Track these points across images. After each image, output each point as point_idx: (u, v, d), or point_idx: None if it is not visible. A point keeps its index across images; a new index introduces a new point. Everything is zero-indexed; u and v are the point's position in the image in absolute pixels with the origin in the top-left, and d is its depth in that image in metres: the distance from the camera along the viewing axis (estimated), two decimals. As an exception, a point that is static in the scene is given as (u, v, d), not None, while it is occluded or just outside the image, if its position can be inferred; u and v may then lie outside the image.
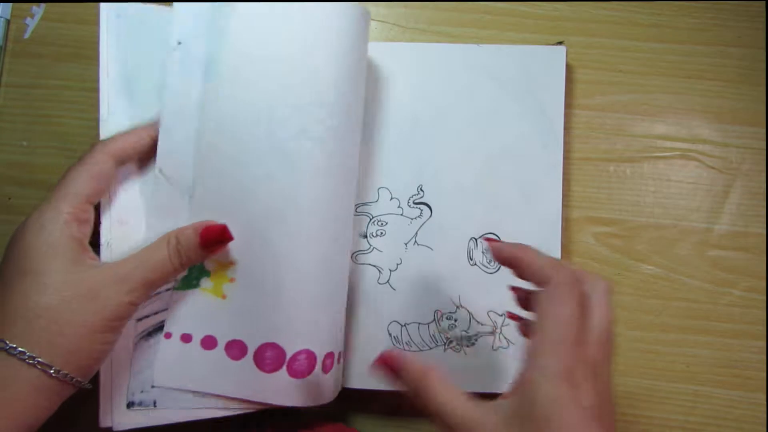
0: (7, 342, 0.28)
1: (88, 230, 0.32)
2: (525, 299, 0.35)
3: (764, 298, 0.44)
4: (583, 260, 0.45)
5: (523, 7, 0.47)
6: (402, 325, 0.42)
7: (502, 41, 0.46)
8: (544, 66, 0.44)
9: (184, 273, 0.35)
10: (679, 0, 0.47)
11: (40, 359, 0.28)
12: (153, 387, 0.36)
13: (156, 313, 0.36)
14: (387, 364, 0.30)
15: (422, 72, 0.44)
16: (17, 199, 0.46)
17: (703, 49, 0.46)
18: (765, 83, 0.46)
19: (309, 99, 0.35)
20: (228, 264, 0.35)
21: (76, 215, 0.31)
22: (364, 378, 0.41)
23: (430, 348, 0.42)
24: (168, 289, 0.36)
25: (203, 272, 0.36)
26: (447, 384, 0.29)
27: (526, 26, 0.47)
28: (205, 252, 0.33)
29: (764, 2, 0.47)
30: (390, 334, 0.42)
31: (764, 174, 0.45)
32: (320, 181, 0.35)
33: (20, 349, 0.28)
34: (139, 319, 0.36)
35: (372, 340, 0.42)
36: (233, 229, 0.34)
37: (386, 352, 0.30)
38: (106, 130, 0.36)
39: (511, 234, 0.43)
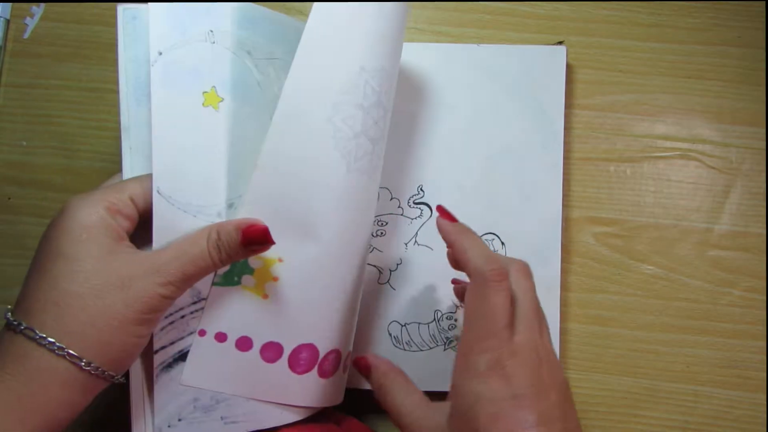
0: (37, 331, 0.27)
1: (129, 225, 0.30)
2: (462, 292, 0.37)
3: (764, 298, 0.44)
4: (583, 260, 0.45)
5: (523, 7, 0.47)
6: (402, 325, 0.42)
7: (502, 41, 0.46)
8: (544, 66, 0.44)
9: (226, 268, 0.33)
10: (679, 0, 0.47)
11: (70, 350, 0.27)
12: (180, 420, 0.33)
13: (173, 342, 0.33)
14: (359, 363, 0.35)
15: (422, 72, 0.44)
16: (17, 199, 0.46)
17: (703, 49, 0.46)
18: (765, 83, 0.46)
19: (373, 100, 0.34)
20: (273, 261, 0.33)
21: (116, 206, 0.29)
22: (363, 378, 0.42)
23: (430, 348, 0.42)
24: (183, 316, 0.33)
25: (246, 269, 0.33)
26: (406, 385, 0.32)
27: (526, 26, 0.47)
28: (245, 251, 0.31)
29: (764, 2, 0.47)
30: (390, 334, 0.42)
31: (764, 174, 0.45)
32: (366, 181, 0.35)
33: (50, 339, 0.27)
34: (156, 351, 0.32)
35: (372, 340, 0.42)
36: (282, 227, 0.32)
37: (363, 354, 0.35)
38: (127, 139, 0.32)
39: (511, 234, 0.43)
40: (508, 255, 0.43)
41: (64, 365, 0.27)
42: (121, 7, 0.32)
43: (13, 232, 0.46)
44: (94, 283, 0.27)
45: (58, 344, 0.27)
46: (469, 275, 0.31)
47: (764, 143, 0.45)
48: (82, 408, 0.28)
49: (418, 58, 0.44)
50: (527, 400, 0.26)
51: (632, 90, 0.46)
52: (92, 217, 0.28)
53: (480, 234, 0.43)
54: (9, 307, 0.28)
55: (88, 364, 0.27)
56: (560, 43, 0.45)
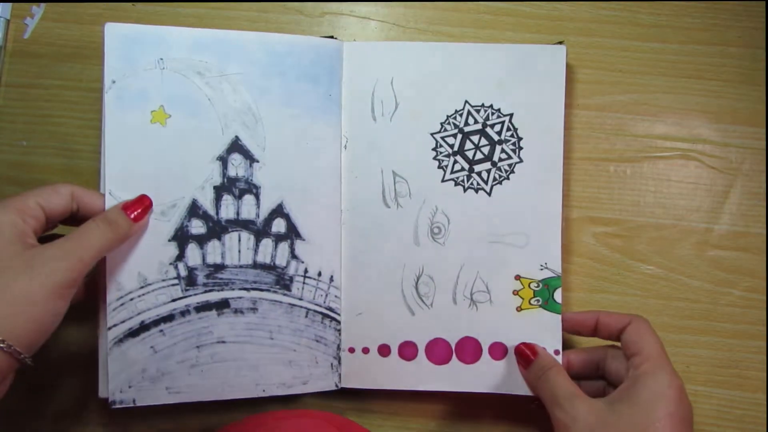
0: None
1: (36, 224, 0.34)
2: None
3: (764, 298, 0.44)
4: (583, 260, 0.45)
5: (523, 7, 0.47)
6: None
7: (502, 41, 0.46)
8: (544, 66, 0.44)
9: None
10: (679, 0, 0.47)
11: None
12: (130, 387, 0.39)
13: (123, 321, 0.39)
14: (525, 350, 0.41)
15: (422, 71, 0.44)
16: (17, 199, 0.46)
17: (703, 49, 0.46)
18: (765, 83, 0.46)
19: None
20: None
21: (22, 209, 0.33)
22: (364, 378, 0.42)
23: None
24: (131, 299, 0.39)
25: None
26: (567, 379, 0.37)
27: (526, 26, 0.47)
28: (129, 222, 0.37)
29: (764, 2, 0.47)
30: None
31: (764, 174, 0.45)
32: None
33: None
34: (109, 328, 0.38)
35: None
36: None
37: (525, 343, 0.41)
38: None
39: (511, 234, 0.43)
40: (506, 255, 0.43)
41: None
42: (109, 25, 0.39)
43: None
44: (4, 264, 0.31)
45: None
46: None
47: (764, 143, 0.45)
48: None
49: (417, 58, 0.44)
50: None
51: (632, 90, 0.46)
52: (2, 218, 0.32)
53: (480, 234, 0.43)
54: None
55: (8, 345, 0.30)
56: (560, 43, 0.45)
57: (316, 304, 0.41)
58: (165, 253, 0.39)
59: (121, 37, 0.39)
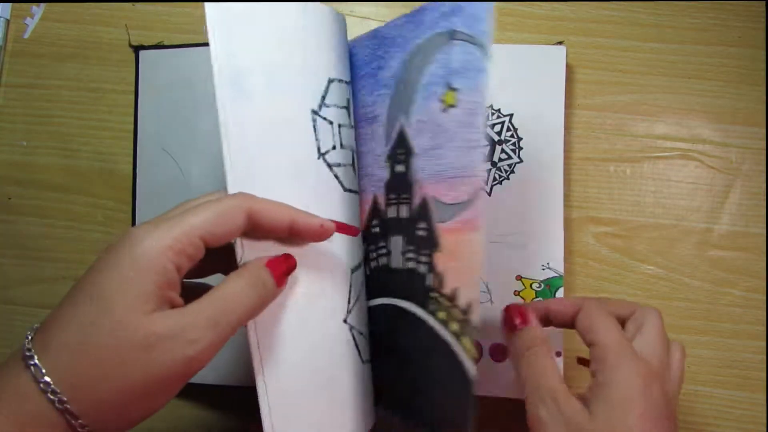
0: (45, 376, 0.24)
1: (189, 265, 0.26)
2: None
3: (764, 298, 0.44)
4: (583, 260, 0.45)
5: (523, 7, 0.47)
6: None
7: (503, 41, 0.46)
8: (544, 66, 0.44)
9: None
10: (680, 0, 0.47)
11: (69, 406, 0.24)
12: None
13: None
14: (515, 314, 0.34)
15: None
16: (17, 199, 0.46)
17: (703, 49, 0.46)
18: (765, 83, 0.46)
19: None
20: None
21: (181, 247, 0.26)
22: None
23: None
24: None
25: None
26: (554, 368, 0.32)
27: (526, 26, 0.47)
28: (274, 286, 0.29)
29: (764, 2, 0.47)
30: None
31: (764, 174, 0.45)
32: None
33: (54, 388, 0.24)
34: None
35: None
36: None
37: (517, 306, 0.35)
38: (227, 136, 0.30)
39: (512, 234, 0.43)
40: (507, 255, 0.43)
41: (59, 420, 0.24)
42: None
43: (13, 232, 0.46)
44: (119, 338, 0.24)
45: (60, 396, 0.24)
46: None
47: (764, 143, 0.45)
48: None
49: None
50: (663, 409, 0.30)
51: (632, 90, 0.46)
52: (144, 258, 0.25)
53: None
54: (36, 326, 0.26)
55: (83, 426, 0.24)
56: (560, 43, 0.45)
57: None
58: None
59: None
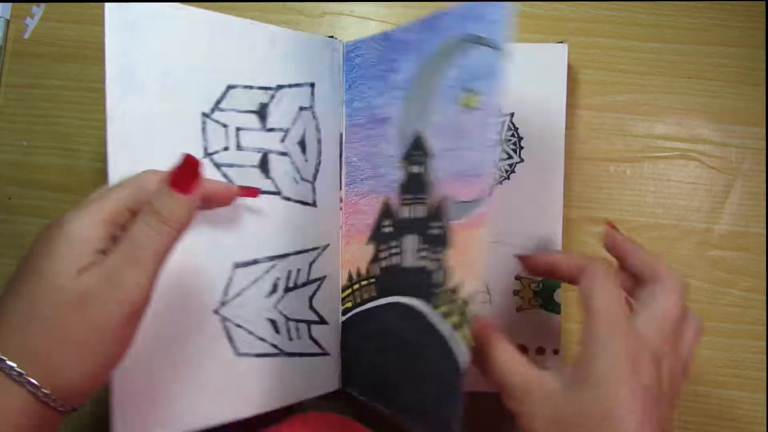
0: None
1: (120, 234, 0.28)
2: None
3: (764, 298, 0.44)
4: (583, 260, 0.45)
5: (523, 7, 0.47)
6: None
7: (502, 41, 0.46)
8: (545, 64, 0.43)
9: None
10: (680, 0, 0.47)
11: (29, 377, 0.25)
12: None
13: None
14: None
15: None
16: (17, 199, 0.46)
17: (703, 49, 0.46)
18: (765, 83, 0.46)
19: None
20: None
21: (110, 217, 0.27)
22: None
23: None
24: None
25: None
26: (509, 346, 0.31)
27: (526, 26, 0.47)
28: (187, 203, 0.28)
29: (764, 2, 0.47)
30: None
31: (764, 174, 0.45)
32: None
33: (9, 363, 0.25)
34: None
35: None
36: None
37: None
38: (113, 129, 0.33)
39: (511, 234, 0.43)
40: (506, 255, 0.42)
41: (22, 394, 0.25)
42: (109, 6, 0.33)
43: (13, 232, 0.46)
44: (56, 302, 0.25)
45: (17, 369, 0.25)
46: (646, 278, 0.32)
47: (764, 143, 0.45)
48: None
49: None
50: (654, 393, 0.27)
51: (632, 90, 0.46)
52: (81, 228, 0.27)
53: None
54: None
55: (46, 395, 0.25)
56: (562, 41, 0.45)
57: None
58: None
59: None
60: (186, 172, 0.29)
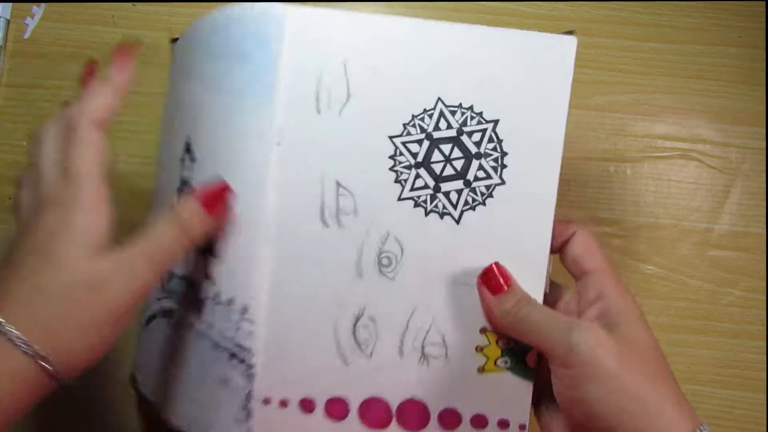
0: (3, 322, 0.26)
1: (112, 216, 0.29)
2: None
3: (764, 298, 0.44)
4: (583, 260, 0.45)
5: (523, 7, 0.47)
6: None
7: (502, 41, 0.46)
8: (546, 60, 0.33)
9: None
10: (680, 0, 0.47)
11: (35, 345, 0.26)
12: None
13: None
14: (496, 274, 0.32)
15: (386, 55, 0.33)
16: (17, 199, 0.46)
17: (703, 49, 0.46)
18: (765, 83, 0.46)
19: None
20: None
21: (100, 197, 0.29)
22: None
23: None
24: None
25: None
26: (555, 314, 0.31)
27: (527, 26, 0.46)
28: (212, 220, 0.31)
29: (764, 2, 0.47)
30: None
31: (764, 174, 0.45)
32: None
33: (15, 331, 0.26)
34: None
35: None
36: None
37: (496, 265, 0.32)
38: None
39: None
40: (473, 300, 0.34)
41: (24, 360, 0.26)
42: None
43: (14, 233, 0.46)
44: (68, 283, 0.27)
45: (25, 338, 0.26)
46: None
47: (764, 143, 0.45)
48: (25, 410, 0.27)
49: (383, 36, 0.33)
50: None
51: (632, 90, 0.46)
52: (97, 216, 0.28)
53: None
54: None
55: (47, 362, 0.26)
56: (570, 32, 0.35)
57: (225, 337, 0.33)
58: None
59: None
60: (219, 196, 0.32)
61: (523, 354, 0.33)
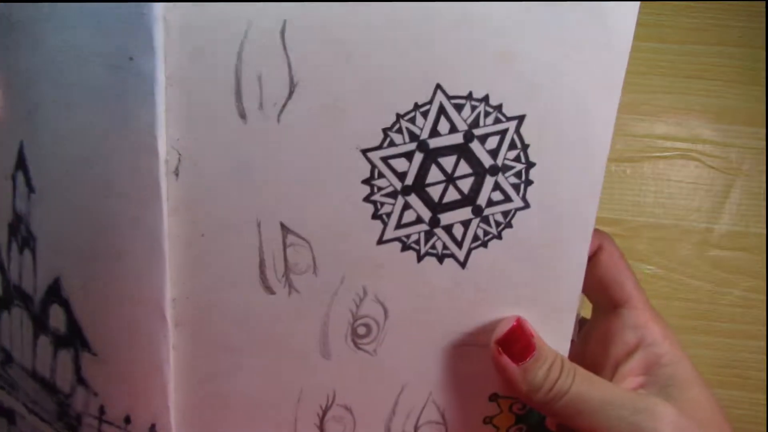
0: None
1: None
2: None
3: (764, 298, 0.44)
4: (583, 260, 0.45)
5: (523, 7, 0.47)
6: None
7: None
8: (592, 32, 0.25)
9: None
10: (679, 0, 0.47)
11: None
12: None
13: None
14: (520, 336, 0.23)
15: (350, 20, 0.21)
16: (17, 199, 0.46)
17: (703, 49, 0.46)
18: (765, 83, 0.46)
19: None
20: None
21: None
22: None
23: None
24: None
25: None
26: (595, 377, 0.23)
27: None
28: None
29: (764, 2, 0.47)
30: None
31: (764, 174, 0.45)
32: None
33: None
34: None
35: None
36: None
37: (519, 324, 0.23)
38: None
39: (493, 330, 0.26)
40: (480, 363, 0.26)
41: None
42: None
43: None
44: None
45: None
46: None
47: (764, 143, 0.45)
48: None
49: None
50: None
51: (632, 90, 0.46)
52: None
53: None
54: None
55: None
56: None
57: None
58: None
59: None
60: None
61: (542, 421, 0.26)
